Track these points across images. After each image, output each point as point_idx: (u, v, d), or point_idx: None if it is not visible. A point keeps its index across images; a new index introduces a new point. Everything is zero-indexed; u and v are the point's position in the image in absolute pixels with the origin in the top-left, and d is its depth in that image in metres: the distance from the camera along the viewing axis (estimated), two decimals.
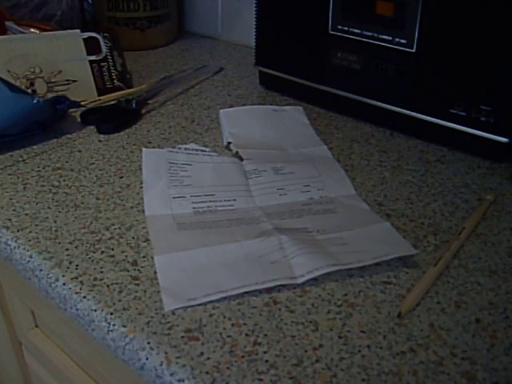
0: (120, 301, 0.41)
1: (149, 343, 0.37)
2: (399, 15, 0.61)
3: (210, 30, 1.07)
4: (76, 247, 0.47)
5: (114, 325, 0.39)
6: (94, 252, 0.46)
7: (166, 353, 0.37)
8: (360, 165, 0.61)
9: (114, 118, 0.69)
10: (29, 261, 0.46)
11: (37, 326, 0.66)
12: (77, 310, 0.42)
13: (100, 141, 0.65)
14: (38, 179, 0.57)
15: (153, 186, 0.54)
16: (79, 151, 0.63)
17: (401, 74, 0.64)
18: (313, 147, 0.64)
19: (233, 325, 0.39)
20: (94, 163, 0.60)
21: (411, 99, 0.64)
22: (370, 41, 0.65)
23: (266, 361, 0.36)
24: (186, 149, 0.61)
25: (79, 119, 0.69)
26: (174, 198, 0.53)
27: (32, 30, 0.84)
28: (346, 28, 0.66)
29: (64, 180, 0.57)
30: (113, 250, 0.47)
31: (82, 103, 0.72)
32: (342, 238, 0.47)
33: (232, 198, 0.53)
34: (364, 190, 0.56)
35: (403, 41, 0.62)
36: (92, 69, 0.77)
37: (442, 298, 0.42)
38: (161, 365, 0.36)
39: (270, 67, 0.77)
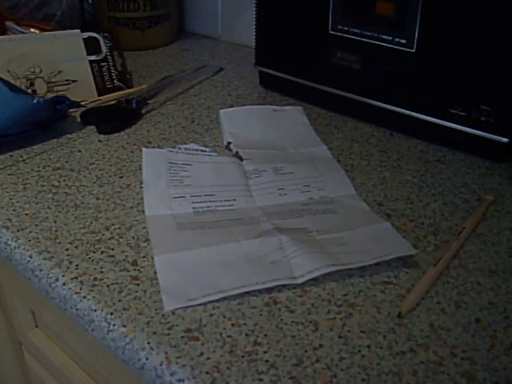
0: (120, 301, 0.41)
1: (149, 343, 0.37)
2: (399, 15, 0.61)
3: (210, 30, 1.07)
4: (76, 247, 0.47)
5: (114, 325, 0.39)
6: (94, 252, 0.46)
7: (166, 353, 0.37)
8: (360, 165, 0.61)
9: (113, 118, 0.69)
10: (29, 261, 0.46)
11: (37, 326, 0.66)
12: (77, 309, 0.42)
13: (100, 141, 0.65)
14: (38, 179, 0.57)
15: (153, 186, 0.54)
16: (79, 151, 0.63)
17: (401, 74, 0.64)
18: (313, 147, 0.64)
19: (233, 325, 0.39)
20: (94, 163, 0.60)
21: (411, 99, 0.64)
22: (370, 41, 0.65)
23: (266, 361, 0.36)
24: (185, 149, 0.61)
25: (79, 119, 0.69)
26: (174, 197, 0.53)
27: (32, 29, 0.84)
28: (346, 28, 0.66)
29: (64, 180, 0.57)
30: (113, 249, 0.47)
31: (82, 103, 0.72)
32: (341, 237, 0.47)
33: (232, 198, 0.53)
34: (364, 190, 0.56)
35: (403, 41, 0.62)
36: (92, 69, 0.77)
37: (442, 298, 0.42)
38: (161, 365, 0.36)
39: (270, 67, 0.77)
